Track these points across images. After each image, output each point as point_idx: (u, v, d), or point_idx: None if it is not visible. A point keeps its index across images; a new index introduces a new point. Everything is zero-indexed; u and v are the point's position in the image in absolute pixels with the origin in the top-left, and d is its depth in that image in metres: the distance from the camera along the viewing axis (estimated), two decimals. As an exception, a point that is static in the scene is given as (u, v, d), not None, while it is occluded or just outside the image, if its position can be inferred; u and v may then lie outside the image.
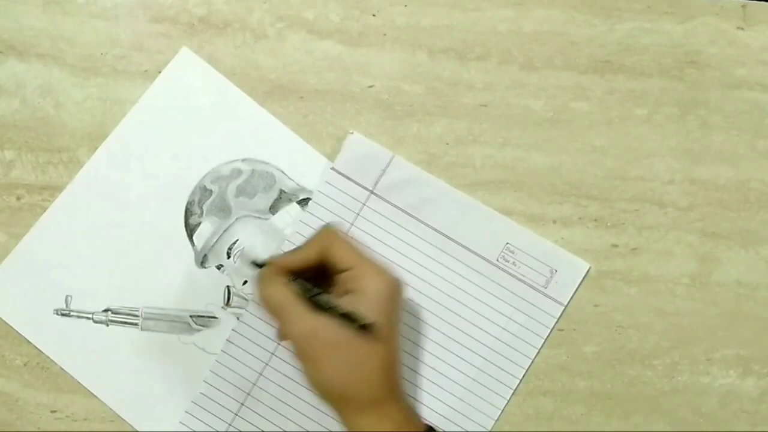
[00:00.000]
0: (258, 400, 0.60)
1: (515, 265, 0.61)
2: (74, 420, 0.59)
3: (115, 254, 0.60)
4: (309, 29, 0.62)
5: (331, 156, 0.61)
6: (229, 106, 0.61)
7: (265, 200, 0.61)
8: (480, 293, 0.60)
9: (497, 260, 0.61)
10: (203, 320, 0.60)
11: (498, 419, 0.60)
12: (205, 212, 0.61)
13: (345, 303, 0.52)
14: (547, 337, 0.61)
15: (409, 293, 0.60)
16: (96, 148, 0.61)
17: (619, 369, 0.61)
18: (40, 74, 0.61)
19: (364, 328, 0.51)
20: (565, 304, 0.61)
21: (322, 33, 0.62)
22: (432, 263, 0.61)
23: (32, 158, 0.61)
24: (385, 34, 0.62)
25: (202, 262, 0.61)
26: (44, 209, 0.60)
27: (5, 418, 0.59)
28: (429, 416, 0.60)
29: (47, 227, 0.60)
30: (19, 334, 0.60)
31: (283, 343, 0.60)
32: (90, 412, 0.60)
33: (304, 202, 0.61)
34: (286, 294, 0.52)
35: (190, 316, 0.60)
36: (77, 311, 0.60)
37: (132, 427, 0.59)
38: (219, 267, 0.61)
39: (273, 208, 0.61)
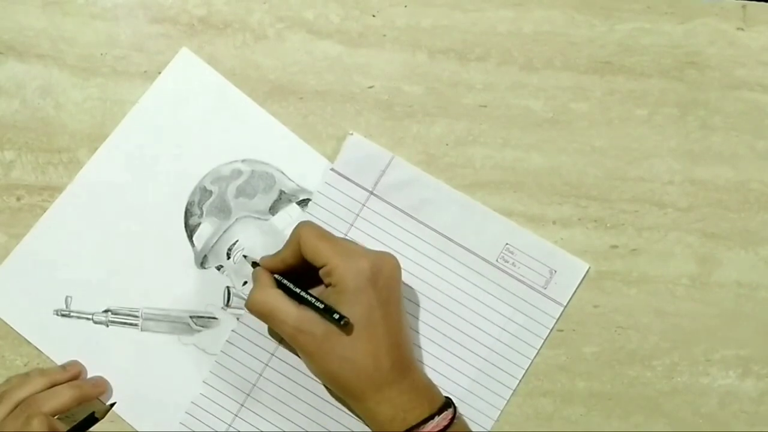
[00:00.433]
0: (258, 401, 0.60)
1: (515, 266, 0.61)
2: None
3: (115, 255, 0.60)
4: (309, 30, 0.62)
5: (331, 157, 0.61)
6: (228, 106, 0.61)
7: (264, 201, 0.61)
8: (479, 294, 0.60)
9: (497, 261, 0.61)
10: (203, 321, 0.60)
11: (497, 419, 0.60)
12: (205, 213, 0.61)
13: (325, 297, 0.54)
14: (547, 337, 0.61)
15: (409, 293, 0.60)
16: (96, 149, 0.61)
17: (619, 369, 0.61)
18: (40, 75, 0.61)
19: (341, 321, 0.52)
20: (565, 304, 0.61)
21: (322, 33, 0.62)
22: (431, 264, 0.61)
23: (32, 159, 0.61)
24: (385, 35, 0.62)
25: (202, 262, 0.61)
26: (44, 210, 0.60)
27: (5, 418, 0.60)
28: (429, 417, 0.60)
29: (47, 228, 0.60)
30: (19, 334, 0.60)
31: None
32: (90, 413, 0.60)
33: (303, 203, 0.61)
34: (270, 295, 0.54)
35: (190, 317, 0.60)
36: (77, 312, 0.60)
37: (132, 427, 0.59)
38: (219, 268, 0.61)
39: (273, 209, 0.61)
